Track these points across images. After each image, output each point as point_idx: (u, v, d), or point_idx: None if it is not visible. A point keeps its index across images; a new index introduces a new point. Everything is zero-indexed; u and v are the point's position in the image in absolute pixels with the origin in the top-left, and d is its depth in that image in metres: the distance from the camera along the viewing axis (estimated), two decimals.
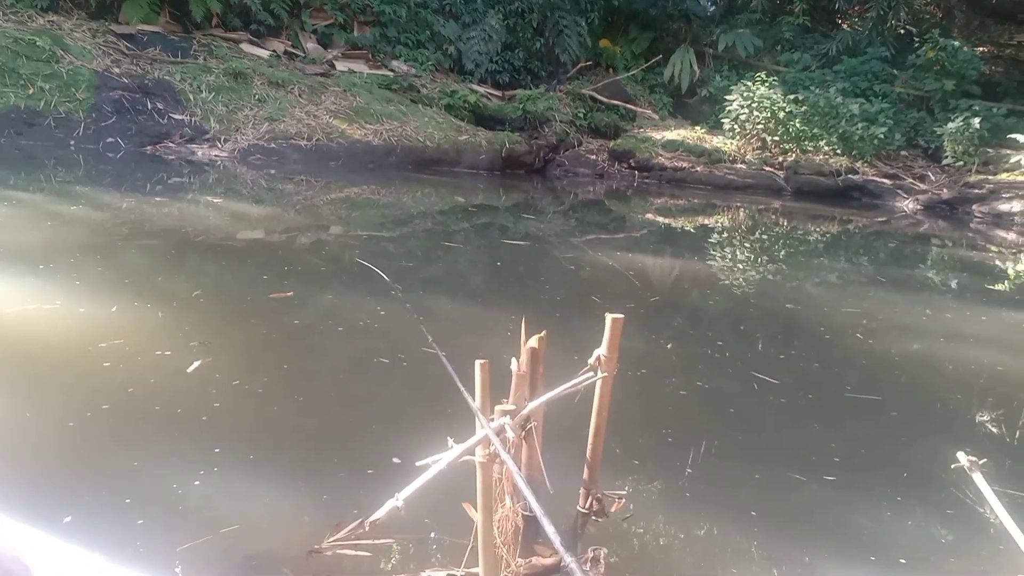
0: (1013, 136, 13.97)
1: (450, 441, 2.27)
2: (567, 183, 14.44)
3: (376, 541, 2.72)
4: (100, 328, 4.52)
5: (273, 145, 12.29)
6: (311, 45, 15.56)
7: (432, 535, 2.82)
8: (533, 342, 2.75)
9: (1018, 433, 4.33)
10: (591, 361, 2.82)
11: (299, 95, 13.34)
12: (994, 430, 4.37)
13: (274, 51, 14.75)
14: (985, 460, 2.32)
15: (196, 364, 4.10)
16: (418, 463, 2.27)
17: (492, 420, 2.23)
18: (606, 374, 2.83)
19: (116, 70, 12.38)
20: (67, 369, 4.00)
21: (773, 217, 12.33)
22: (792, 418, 4.28)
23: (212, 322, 4.88)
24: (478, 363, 2.28)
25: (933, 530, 3.18)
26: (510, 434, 2.19)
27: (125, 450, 3.27)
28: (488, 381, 2.31)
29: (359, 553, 2.67)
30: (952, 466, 2.31)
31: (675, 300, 6.71)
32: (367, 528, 2.67)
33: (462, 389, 2.32)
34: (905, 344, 5.74)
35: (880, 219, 12.75)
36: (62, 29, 12.80)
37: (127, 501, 2.87)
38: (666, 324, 5.95)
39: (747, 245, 10.14)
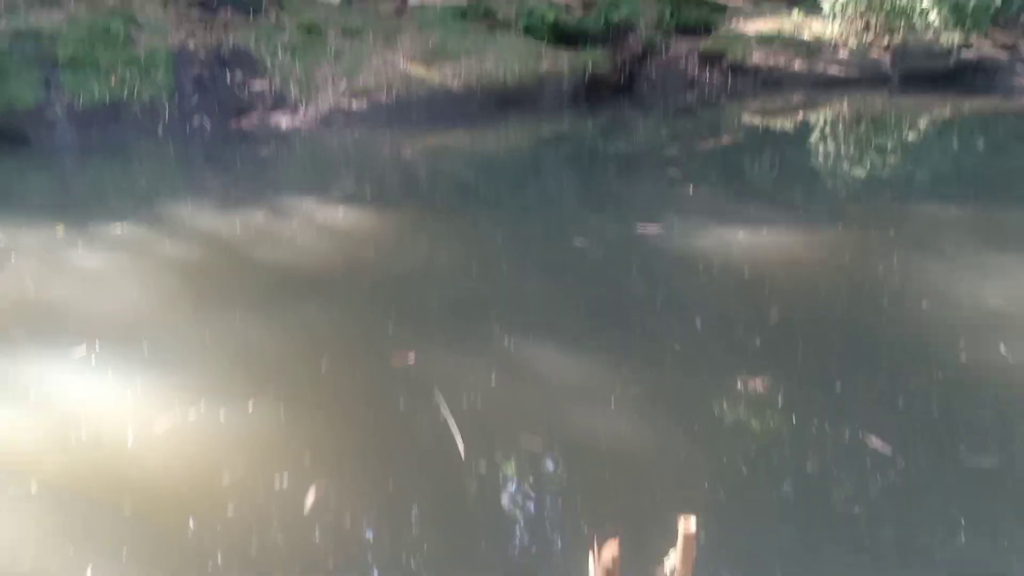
0: None
1: None
2: (656, 101, 13.80)
3: None
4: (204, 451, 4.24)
5: (354, 105, 12.16)
6: None
7: None
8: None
9: None
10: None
11: (374, 42, 13.03)
12: None
13: None
14: None
15: (311, 498, 3.80)
16: None
17: None
18: None
19: (191, 44, 12.33)
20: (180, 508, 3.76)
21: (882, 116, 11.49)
22: (908, 499, 3.67)
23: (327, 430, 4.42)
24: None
25: None
26: None
27: None
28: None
29: None
30: None
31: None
32: None
33: None
34: None
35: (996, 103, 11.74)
36: (132, 5, 12.73)
37: None
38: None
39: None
